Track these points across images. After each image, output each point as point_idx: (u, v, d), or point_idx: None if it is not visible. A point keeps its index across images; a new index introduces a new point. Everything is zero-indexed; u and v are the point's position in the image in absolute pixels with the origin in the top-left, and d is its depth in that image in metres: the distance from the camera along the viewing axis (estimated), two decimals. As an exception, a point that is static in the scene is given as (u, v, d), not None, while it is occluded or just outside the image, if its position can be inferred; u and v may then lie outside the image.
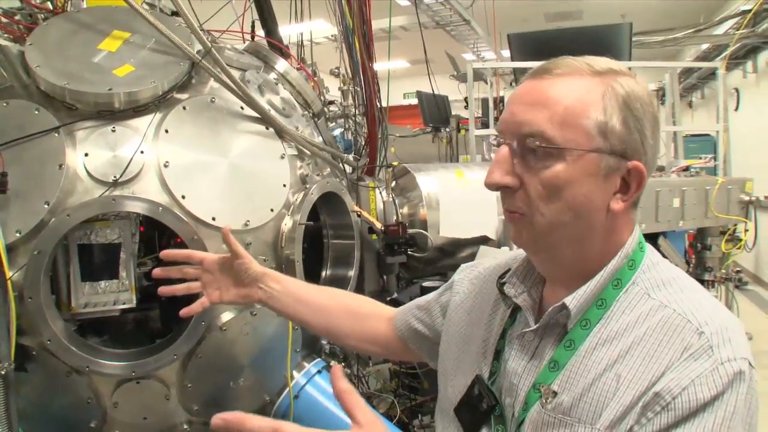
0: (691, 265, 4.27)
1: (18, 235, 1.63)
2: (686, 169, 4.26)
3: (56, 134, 1.71)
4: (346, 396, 0.84)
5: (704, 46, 7.70)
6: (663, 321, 0.91)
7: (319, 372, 2.24)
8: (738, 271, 4.28)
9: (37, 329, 1.65)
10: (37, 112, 1.73)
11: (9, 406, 1.60)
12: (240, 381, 1.97)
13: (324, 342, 2.41)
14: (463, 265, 1.35)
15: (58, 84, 1.72)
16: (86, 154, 1.71)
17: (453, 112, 6.71)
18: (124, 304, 1.85)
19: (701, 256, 4.20)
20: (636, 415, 0.87)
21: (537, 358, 1.01)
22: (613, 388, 0.90)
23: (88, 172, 1.70)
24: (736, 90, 7.73)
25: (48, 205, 1.65)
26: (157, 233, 2.12)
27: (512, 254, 1.22)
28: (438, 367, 1.27)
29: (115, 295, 1.85)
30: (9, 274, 1.60)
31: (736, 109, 7.71)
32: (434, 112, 6.32)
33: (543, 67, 0.99)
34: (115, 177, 1.70)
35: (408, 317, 1.38)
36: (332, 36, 5.95)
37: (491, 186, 0.97)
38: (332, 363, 2.60)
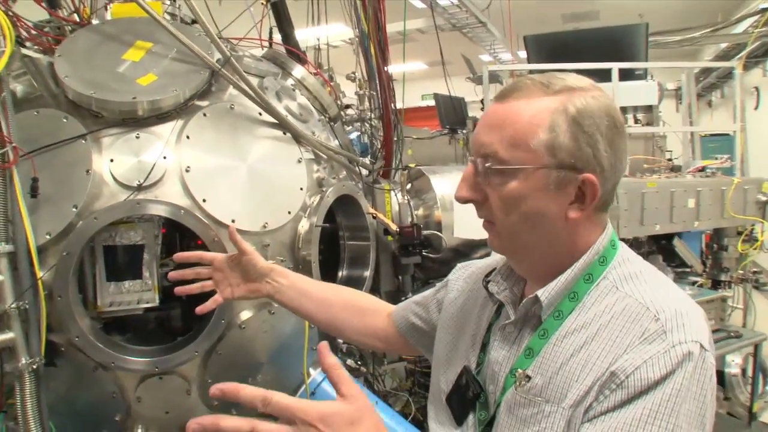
0: (708, 266, 4.25)
1: (48, 237, 1.72)
2: (702, 169, 4.24)
3: (83, 141, 1.79)
4: (333, 371, 0.89)
5: (723, 45, 7.64)
6: (626, 310, 0.99)
7: (334, 370, 2.30)
8: (756, 272, 4.25)
9: (66, 326, 1.74)
10: (65, 120, 1.82)
11: (40, 399, 1.69)
12: (258, 377, 2.04)
13: (340, 341, 2.47)
14: (458, 265, 1.44)
15: (85, 93, 1.81)
16: (112, 160, 1.80)
17: (469, 114, 6.73)
18: (147, 303, 1.93)
19: (717, 256, 4.18)
20: (594, 393, 0.95)
21: (515, 346, 1.09)
22: (579, 370, 0.98)
23: (113, 176, 1.79)
24: (756, 89, 7.64)
25: (76, 208, 1.74)
26: (178, 235, 2.20)
27: (501, 255, 1.29)
28: (432, 361, 1.35)
29: (138, 295, 1.93)
30: (40, 274, 1.69)
31: (756, 107, 7.63)
32: (451, 114, 6.35)
33: (504, 90, 1.07)
34: (139, 182, 1.78)
35: (406, 313, 1.47)
36: (349, 39, 6.00)
37: (458, 200, 1.09)
38: (348, 362, 2.67)
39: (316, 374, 2.24)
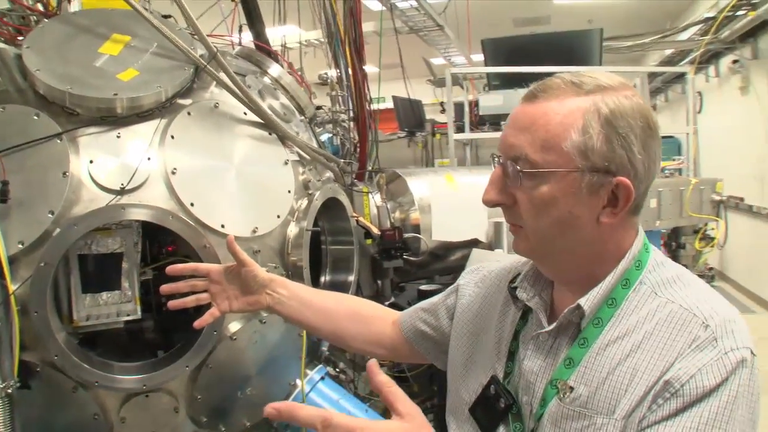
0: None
1: (21, 246, 1.57)
2: (660, 170, 4.37)
3: (59, 140, 1.64)
4: (385, 389, 0.87)
5: (668, 51, 7.94)
6: (671, 316, 0.97)
7: (321, 379, 2.22)
8: (711, 269, 4.40)
9: (43, 344, 1.59)
10: (36, 118, 1.66)
11: (14, 426, 1.53)
12: (248, 390, 1.93)
13: (324, 348, 2.38)
14: (467, 269, 1.41)
15: (60, 88, 1.66)
16: (91, 161, 1.65)
17: (427, 117, 6.73)
18: (128, 315, 1.80)
19: (676, 254, 4.31)
20: (648, 403, 0.92)
21: (552, 356, 1.06)
22: (628, 380, 0.95)
23: (93, 179, 1.65)
24: (699, 93, 7.95)
25: (53, 214, 1.59)
26: (148, 242, 2.06)
27: (515, 258, 1.26)
28: (448, 370, 1.31)
29: (117, 307, 1.80)
30: (12, 287, 1.54)
31: (699, 111, 7.94)
32: (409, 117, 6.33)
33: (532, 90, 1.04)
34: (122, 185, 1.65)
35: (414, 320, 1.42)
36: (306, 41, 5.91)
37: (486, 203, 1.05)
38: (328, 369, 2.58)
39: (304, 384, 2.15)
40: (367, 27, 7.46)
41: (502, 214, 1.08)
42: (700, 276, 3.97)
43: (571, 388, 1.00)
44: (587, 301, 1.02)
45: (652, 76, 8.31)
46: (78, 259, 1.74)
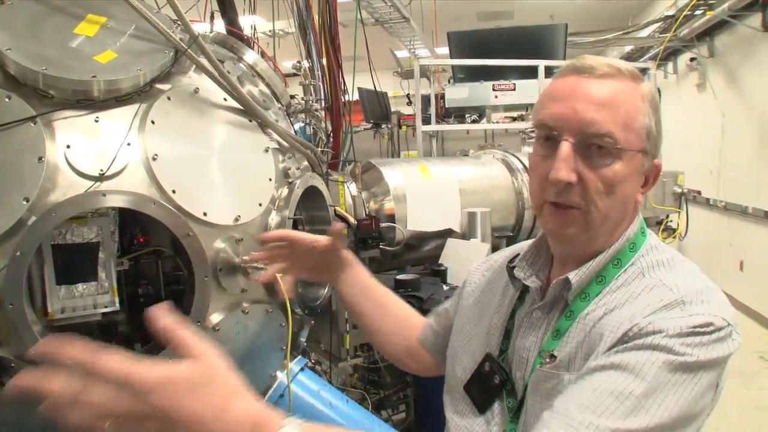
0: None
1: (-7, 235, 1.49)
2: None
3: (33, 124, 1.57)
4: (170, 333, 0.76)
5: (627, 48, 8.13)
6: (648, 290, 1.00)
7: (301, 370, 2.19)
8: (672, 259, 4.52)
9: (18, 338, 1.51)
10: (8, 100, 1.57)
11: (-12, 423, 1.46)
12: (229, 383, 1.88)
13: (302, 339, 2.35)
14: (478, 262, 1.42)
15: (34, 69, 1.58)
16: (68, 146, 1.58)
17: (392, 109, 6.73)
18: (105, 307, 1.73)
19: (640, 245, 4.41)
20: (607, 350, 0.94)
21: (542, 330, 1.09)
22: (597, 341, 0.98)
23: (70, 165, 1.57)
24: (658, 90, 8.19)
25: (27, 201, 1.51)
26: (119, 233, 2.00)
27: (520, 245, 1.31)
28: (447, 353, 1.33)
29: (93, 298, 1.73)
30: (-15, 278, 1.46)
31: (658, 107, 8.18)
32: (375, 109, 6.31)
33: (584, 65, 1.04)
34: (101, 171, 1.58)
35: (427, 324, 1.47)
36: (269, 32, 5.81)
37: (558, 183, 1.01)
38: (307, 361, 2.55)
39: (283, 376, 2.11)
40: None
41: (546, 194, 1.04)
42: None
43: (553, 356, 1.02)
44: (576, 275, 1.05)
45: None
46: (52, 249, 1.67)
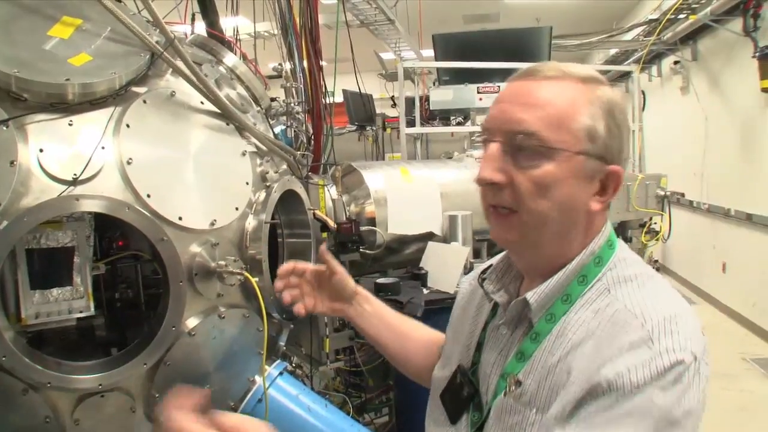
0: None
1: (-35, 239, 1.48)
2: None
3: (5, 128, 1.55)
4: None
5: (612, 51, 8.19)
6: (613, 317, 0.95)
7: (280, 374, 2.18)
8: (656, 261, 4.56)
9: (-12, 343, 1.50)
10: (-21, 104, 1.56)
11: (-42, 430, 1.45)
12: (206, 387, 1.87)
13: (281, 343, 2.34)
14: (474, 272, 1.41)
15: (6, 71, 1.56)
16: (41, 150, 1.56)
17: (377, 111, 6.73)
18: (80, 312, 1.71)
19: (622, 248, 4.44)
20: (577, 402, 0.90)
21: (507, 349, 1.07)
22: (564, 380, 0.94)
23: (43, 169, 1.56)
24: (643, 92, 8.25)
25: (-1, 206, 1.50)
26: (97, 237, 1.98)
27: (501, 254, 1.25)
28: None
29: (68, 303, 1.71)
30: (-45, 283, 1.45)
31: (643, 109, 8.24)
32: (360, 111, 6.31)
33: (531, 69, 1.03)
34: (75, 175, 1.57)
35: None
36: (250, 34, 5.80)
37: (482, 181, 1.00)
38: (286, 365, 2.55)
39: (261, 381, 2.11)
40: (320, 19, 7.40)
41: (486, 197, 1.03)
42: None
43: (519, 383, 0.99)
44: (534, 295, 1.01)
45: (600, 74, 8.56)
46: (26, 254, 1.66)
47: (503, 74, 5.41)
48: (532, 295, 1.01)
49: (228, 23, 3.37)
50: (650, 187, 4.23)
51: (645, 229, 4.25)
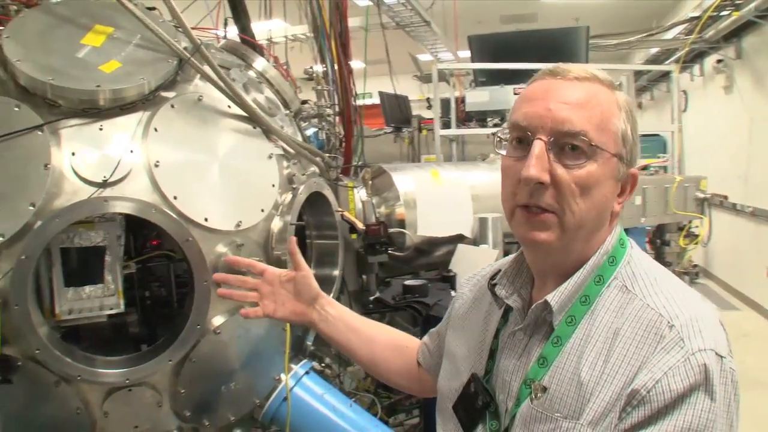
0: (651, 260, 4.42)
1: (1, 239, 1.55)
2: (645, 168, 4.41)
3: (40, 132, 1.62)
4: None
5: (653, 50, 8.00)
6: (638, 315, 0.95)
7: (306, 373, 2.21)
8: (695, 266, 4.45)
9: (24, 338, 1.57)
10: (17, 109, 1.64)
11: (-5, 420, 1.52)
12: (231, 385, 1.92)
13: (309, 343, 2.38)
14: (467, 276, 1.39)
15: (42, 79, 1.64)
16: (73, 154, 1.64)
17: (413, 112, 6.74)
18: (111, 309, 1.78)
19: (661, 251, 4.35)
20: (617, 413, 0.90)
21: (526, 355, 1.05)
22: (594, 383, 0.93)
23: (75, 172, 1.63)
24: (684, 92, 8.03)
25: (34, 206, 1.57)
26: (132, 236, 2.05)
27: (507, 258, 1.24)
28: (441, 370, 1.30)
29: (100, 300, 1.78)
30: (-8, 280, 1.52)
31: (684, 110, 8.03)
32: (396, 112, 6.33)
33: (559, 68, 1.02)
34: (104, 177, 1.63)
35: (424, 341, 1.43)
36: (292, 36, 5.87)
37: (529, 180, 0.96)
38: (314, 364, 2.58)
39: (288, 379, 2.14)
40: (354, 22, 7.47)
41: (520, 197, 0.99)
42: (684, 273, 4.06)
43: (545, 389, 0.98)
44: (555, 297, 1.00)
45: (637, 74, 8.38)
46: (60, 253, 1.73)
47: (540, 75, 5.35)
48: (553, 297, 1.00)
49: (264, 27, 3.44)
50: (689, 189, 4.13)
51: (683, 233, 4.16)
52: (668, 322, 0.91)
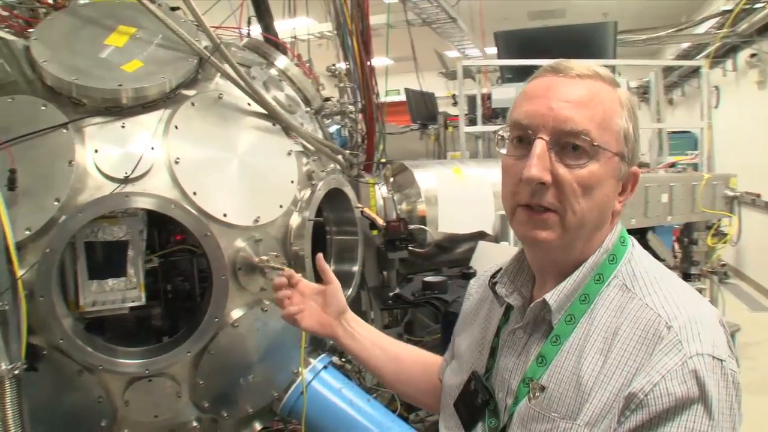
0: (678, 259, 4.34)
1: (28, 232, 1.61)
2: (672, 165, 4.34)
3: (65, 130, 1.68)
4: None
5: (684, 45, 7.84)
6: (637, 315, 0.94)
7: (325, 368, 2.24)
8: (723, 265, 4.35)
9: (49, 328, 1.63)
10: (44, 108, 1.70)
11: (22, 406, 1.57)
12: (250, 377, 1.96)
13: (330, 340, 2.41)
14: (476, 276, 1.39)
15: (66, 79, 1.70)
16: (96, 151, 1.69)
17: (439, 109, 6.73)
18: (132, 301, 1.83)
19: (688, 250, 4.27)
20: (614, 416, 0.89)
21: (525, 353, 1.05)
22: (592, 383, 0.93)
23: (98, 168, 1.68)
24: (716, 88, 7.85)
25: (58, 202, 1.63)
26: (157, 231, 2.11)
27: (515, 256, 1.23)
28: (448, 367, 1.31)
29: (122, 293, 1.83)
30: (19, 273, 1.58)
31: (716, 106, 7.84)
32: (422, 109, 6.34)
33: (560, 65, 1.01)
34: (126, 173, 1.68)
35: (444, 357, 1.40)
36: (319, 33, 5.92)
37: (531, 180, 0.95)
38: (334, 358, 2.61)
39: (306, 372, 2.17)
40: (381, 19, 7.50)
41: (520, 196, 0.99)
42: (712, 272, 3.95)
43: (543, 388, 0.98)
44: (553, 296, 1.00)
45: (668, 70, 8.22)
46: (85, 246, 1.78)
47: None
48: (551, 296, 1.00)
49: (289, 24, 3.48)
50: (718, 187, 4.04)
51: (712, 231, 4.07)
52: (666, 323, 0.91)
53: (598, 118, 0.96)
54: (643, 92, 7.64)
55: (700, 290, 3.84)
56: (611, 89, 1.00)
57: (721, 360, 0.89)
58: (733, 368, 0.90)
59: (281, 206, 1.98)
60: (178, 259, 2.18)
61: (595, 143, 0.95)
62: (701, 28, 7.00)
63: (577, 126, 0.95)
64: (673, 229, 4.45)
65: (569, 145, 0.95)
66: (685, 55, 7.87)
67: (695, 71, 7.52)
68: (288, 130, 2.10)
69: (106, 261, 1.83)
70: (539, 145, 0.95)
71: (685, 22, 6.94)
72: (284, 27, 3.38)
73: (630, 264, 1.02)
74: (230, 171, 1.87)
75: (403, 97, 6.59)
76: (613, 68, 5.13)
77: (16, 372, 1.55)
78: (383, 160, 3.22)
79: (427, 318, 3.45)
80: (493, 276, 1.17)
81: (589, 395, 0.93)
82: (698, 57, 7.36)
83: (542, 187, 0.96)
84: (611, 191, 0.99)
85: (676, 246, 4.35)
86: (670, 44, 8.07)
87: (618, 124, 0.98)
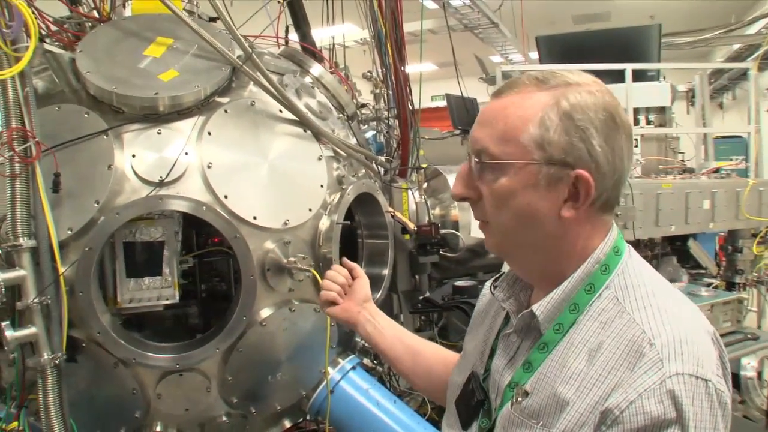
0: (722, 268, 4.23)
1: (70, 232, 1.72)
2: (716, 171, 4.23)
3: (105, 136, 1.78)
4: None
5: (736, 46, 7.60)
6: (622, 330, 0.95)
7: (353, 368, 2.29)
8: (771, 274, 4.22)
9: (87, 322, 1.73)
10: (86, 116, 1.81)
11: (62, 395, 1.68)
12: (278, 375, 2.03)
13: (358, 339, 2.45)
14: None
15: (107, 88, 1.80)
16: (134, 156, 1.79)
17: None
18: (167, 299, 1.92)
19: (732, 258, 4.16)
20: (591, 430, 0.90)
21: (516, 358, 1.07)
22: (570, 395, 0.94)
23: (135, 172, 1.78)
24: None
25: (98, 204, 1.73)
26: (195, 232, 2.20)
27: None
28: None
29: (158, 291, 1.92)
30: (62, 269, 1.68)
31: (767, 110, 7.59)
32: (463, 115, 6.32)
33: (500, 87, 1.06)
34: (161, 177, 1.77)
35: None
36: (362, 39, 5.98)
37: (454, 198, 1.08)
38: (365, 360, 2.65)
39: (334, 373, 2.23)
40: (426, 24, 7.53)
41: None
42: (759, 282, 3.82)
43: (526, 393, 1.00)
44: (540, 307, 1.02)
45: (718, 73, 8.00)
46: (123, 246, 1.89)
47: (610, 76, 5.21)
48: (538, 307, 1.02)
49: (329, 32, 3.55)
50: (765, 193, 3.93)
51: (758, 239, 3.95)
52: (650, 340, 0.91)
53: (497, 133, 1.00)
54: (691, 96, 7.45)
55: (743, 300, 3.73)
56: (541, 96, 0.99)
57: (706, 380, 0.88)
58: (721, 388, 0.89)
59: (310, 210, 2.04)
60: (214, 260, 2.27)
61: (495, 158, 1.00)
62: (753, 29, 6.78)
63: (477, 144, 1.03)
64: (718, 237, 4.34)
65: (482, 162, 1.02)
66: (737, 56, 7.63)
67: (746, 74, 7.28)
68: (319, 136, 2.16)
69: (144, 260, 1.92)
70: (463, 165, 1.07)
71: (735, 22, 6.73)
72: (324, 34, 3.47)
73: (623, 275, 1.02)
74: (261, 175, 1.94)
75: (444, 103, 6.60)
76: (657, 72, 5.05)
77: (57, 362, 1.66)
78: (420, 165, 3.26)
79: (461, 323, 3.47)
80: (495, 280, 1.21)
81: (567, 404, 0.94)
82: (749, 59, 7.13)
83: (472, 202, 1.07)
84: (533, 200, 0.99)
85: (720, 254, 4.24)
86: (720, 46, 7.84)
87: (528, 133, 0.97)
